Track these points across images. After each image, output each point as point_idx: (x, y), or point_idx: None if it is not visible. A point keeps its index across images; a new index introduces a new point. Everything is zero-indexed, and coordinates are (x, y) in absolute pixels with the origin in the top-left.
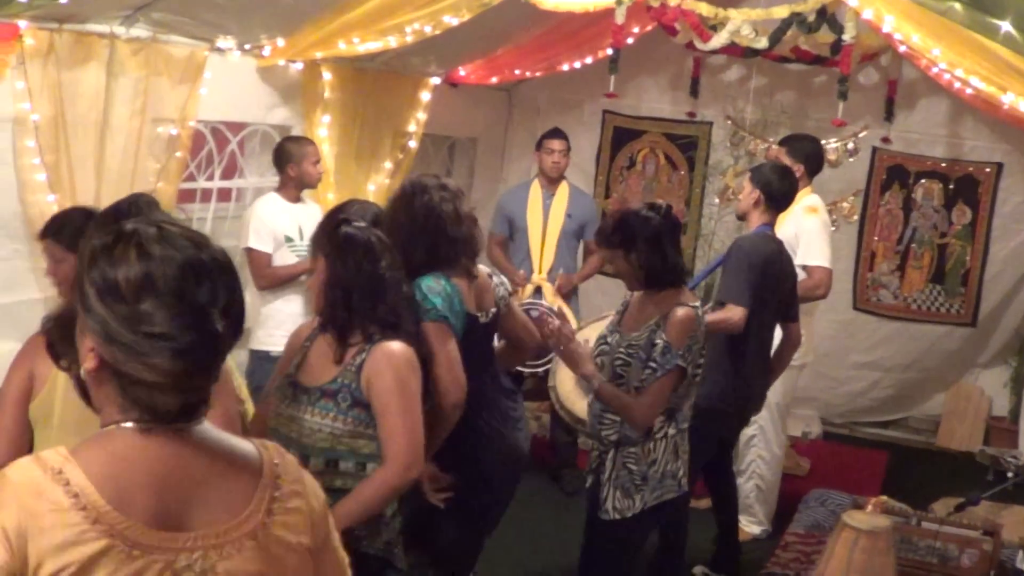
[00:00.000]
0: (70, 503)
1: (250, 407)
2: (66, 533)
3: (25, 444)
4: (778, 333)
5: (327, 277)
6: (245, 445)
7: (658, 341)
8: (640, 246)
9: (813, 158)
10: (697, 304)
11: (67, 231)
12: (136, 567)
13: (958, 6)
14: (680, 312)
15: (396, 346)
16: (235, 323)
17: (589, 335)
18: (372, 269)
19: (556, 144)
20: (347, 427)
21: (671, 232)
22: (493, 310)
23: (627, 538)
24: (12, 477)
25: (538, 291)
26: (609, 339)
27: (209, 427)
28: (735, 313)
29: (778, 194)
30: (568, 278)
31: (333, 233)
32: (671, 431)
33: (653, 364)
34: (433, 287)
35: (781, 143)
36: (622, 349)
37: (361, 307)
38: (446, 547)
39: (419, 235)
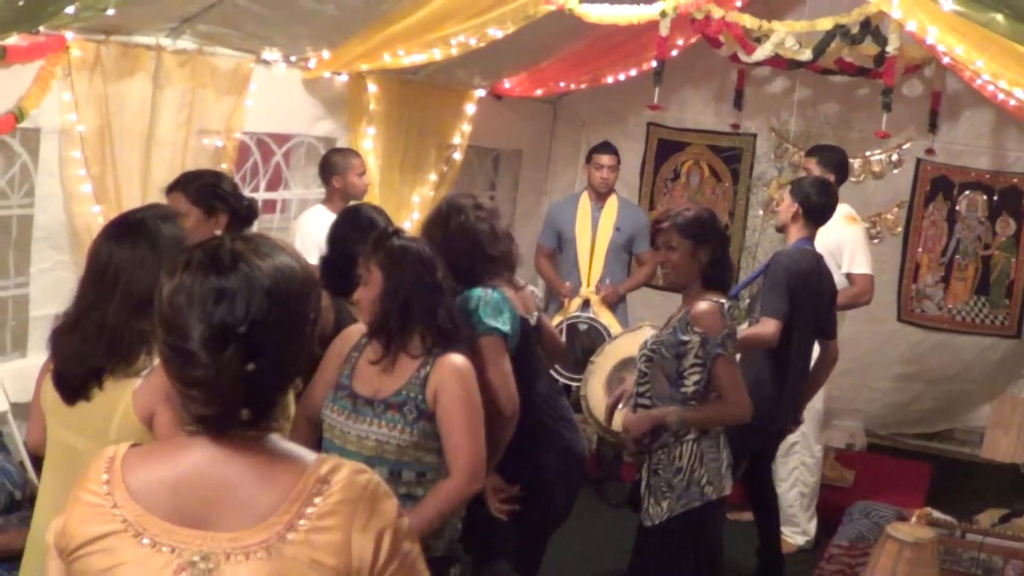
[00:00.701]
0: (103, 489)
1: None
2: (89, 511)
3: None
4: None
5: (384, 288)
6: (302, 458)
7: (685, 337)
8: (711, 242)
9: (842, 167)
10: (723, 301)
11: (194, 186)
12: (142, 553)
13: (1000, 17)
14: (702, 304)
15: (460, 360)
16: (266, 344)
17: (625, 342)
18: (431, 279)
19: (605, 159)
20: (413, 439)
21: (727, 240)
22: (536, 313)
23: (665, 544)
24: (93, 462)
25: (586, 304)
26: (650, 342)
27: (271, 437)
28: (768, 327)
29: (816, 208)
30: (614, 288)
31: (387, 246)
32: (694, 435)
33: (698, 361)
34: (484, 298)
35: (810, 153)
36: (648, 347)
37: (420, 315)
38: (508, 551)
39: (457, 254)
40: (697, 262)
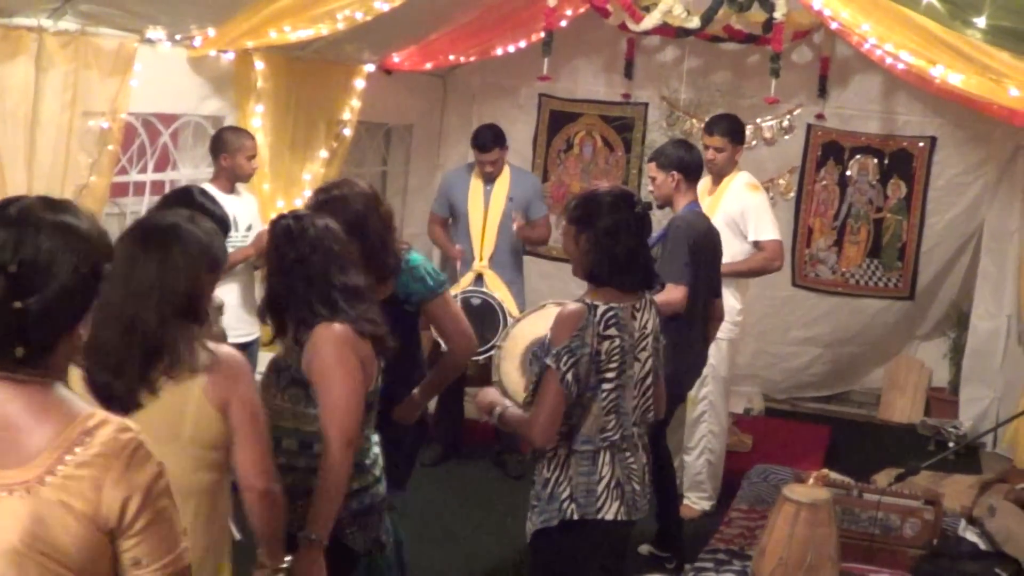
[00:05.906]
0: None
1: None
2: None
3: None
4: None
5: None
6: (76, 408)
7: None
8: (592, 230)
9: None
10: (597, 304)
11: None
12: None
13: None
14: (570, 307)
15: (337, 326)
16: (36, 287)
17: (532, 323)
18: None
19: (488, 156)
20: (285, 404)
21: (635, 229)
22: None
23: (531, 561)
24: None
25: (479, 278)
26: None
27: (55, 385)
28: (677, 292)
29: (692, 167)
30: (522, 220)
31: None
32: (563, 452)
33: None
34: (422, 260)
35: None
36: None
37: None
38: None
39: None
40: (580, 247)
